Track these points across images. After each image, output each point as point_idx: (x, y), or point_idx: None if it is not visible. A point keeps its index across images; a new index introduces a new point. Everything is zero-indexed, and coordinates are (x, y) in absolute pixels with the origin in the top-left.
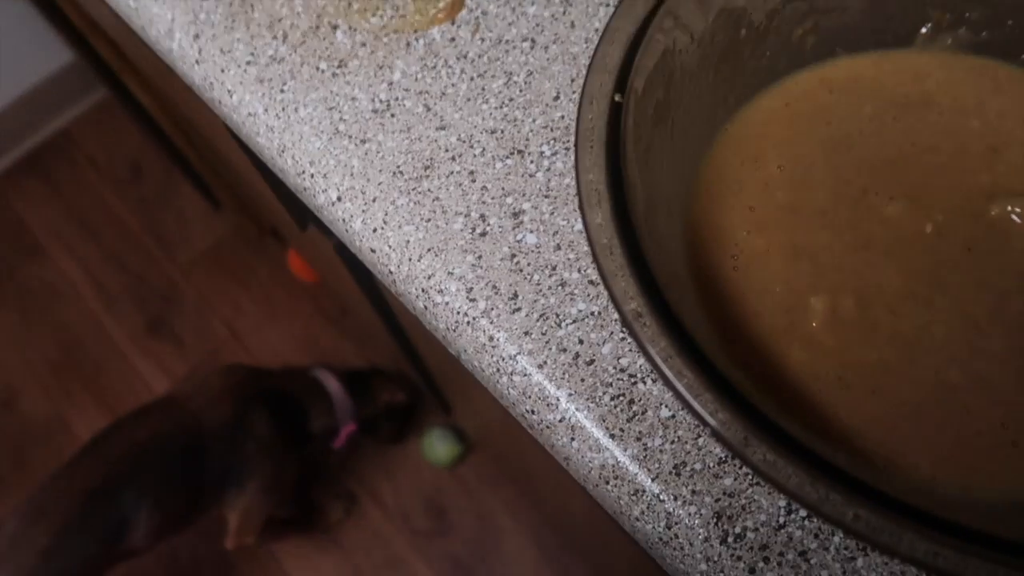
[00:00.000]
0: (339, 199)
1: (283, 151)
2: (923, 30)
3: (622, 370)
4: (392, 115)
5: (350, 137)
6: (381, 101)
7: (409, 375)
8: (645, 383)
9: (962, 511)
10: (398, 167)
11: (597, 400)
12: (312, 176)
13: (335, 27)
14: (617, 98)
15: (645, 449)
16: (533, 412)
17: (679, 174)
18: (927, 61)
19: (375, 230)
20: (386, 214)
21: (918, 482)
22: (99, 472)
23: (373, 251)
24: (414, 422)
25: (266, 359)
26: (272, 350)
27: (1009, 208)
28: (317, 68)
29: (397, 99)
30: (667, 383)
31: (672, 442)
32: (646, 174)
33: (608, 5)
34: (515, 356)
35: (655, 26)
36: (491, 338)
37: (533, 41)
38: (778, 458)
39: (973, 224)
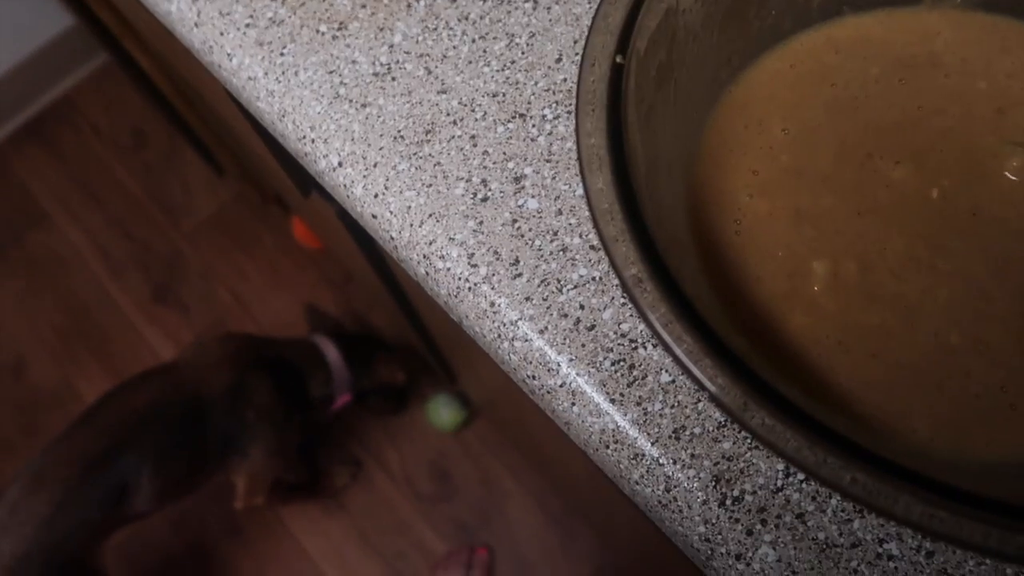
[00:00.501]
0: (340, 164)
1: (283, 116)
2: None
3: (623, 335)
4: (393, 79)
5: (351, 101)
6: (382, 64)
7: (412, 346)
8: (646, 348)
9: (958, 474)
10: (399, 132)
11: (598, 365)
12: (313, 141)
13: None
14: (619, 59)
15: (645, 413)
16: (534, 378)
17: (682, 137)
18: (936, 19)
19: (376, 195)
20: (387, 179)
21: (916, 445)
22: (98, 438)
23: (375, 217)
24: (416, 390)
25: (271, 326)
26: (277, 317)
27: (1015, 167)
28: (317, 31)
29: (398, 62)
30: (666, 349)
31: (672, 407)
32: (648, 137)
33: None
34: (516, 322)
35: None
36: (492, 304)
37: (536, 1)
38: (776, 423)
39: (979, 188)
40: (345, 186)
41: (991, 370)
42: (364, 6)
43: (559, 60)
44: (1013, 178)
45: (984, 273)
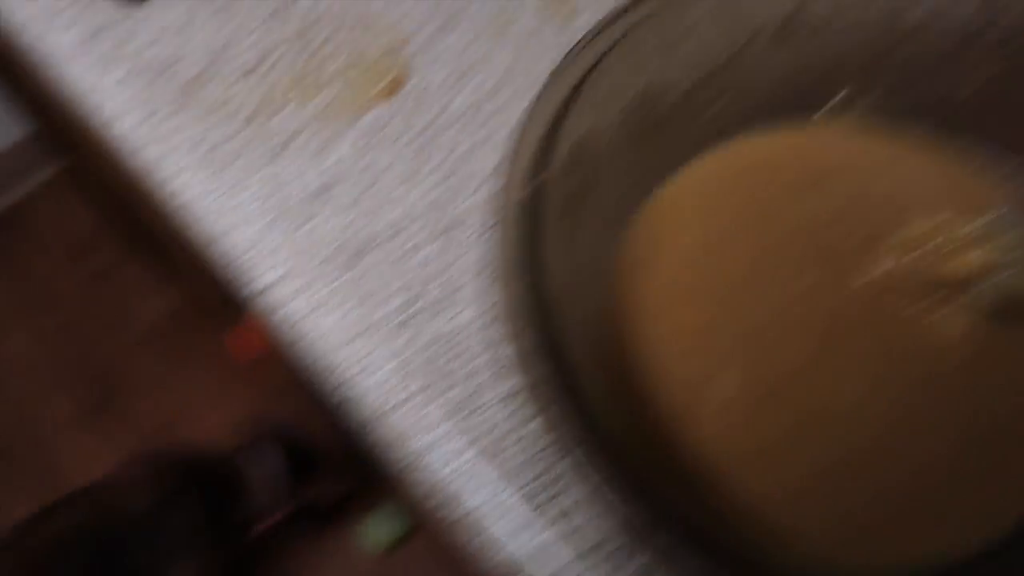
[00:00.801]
0: (278, 281)
1: (226, 233)
2: (835, 100)
3: (546, 448)
4: (333, 195)
5: (291, 218)
6: (323, 182)
7: (357, 453)
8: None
9: None
10: (338, 247)
11: (523, 478)
12: (252, 258)
13: (280, 108)
14: (536, 178)
15: (570, 526)
16: (457, 498)
17: (598, 251)
18: (830, 135)
19: (310, 312)
20: (319, 297)
21: (826, 558)
22: (16, 569)
23: (304, 335)
24: (357, 504)
25: (211, 439)
26: (217, 430)
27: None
28: (261, 149)
29: (339, 179)
30: (577, 469)
31: (594, 518)
32: (563, 253)
33: (566, 78)
34: (437, 444)
35: (574, 108)
36: (413, 426)
37: (475, 115)
38: (680, 547)
39: (884, 293)
40: (282, 303)
41: (896, 475)
42: (308, 124)
43: (496, 172)
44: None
45: (891, 376)
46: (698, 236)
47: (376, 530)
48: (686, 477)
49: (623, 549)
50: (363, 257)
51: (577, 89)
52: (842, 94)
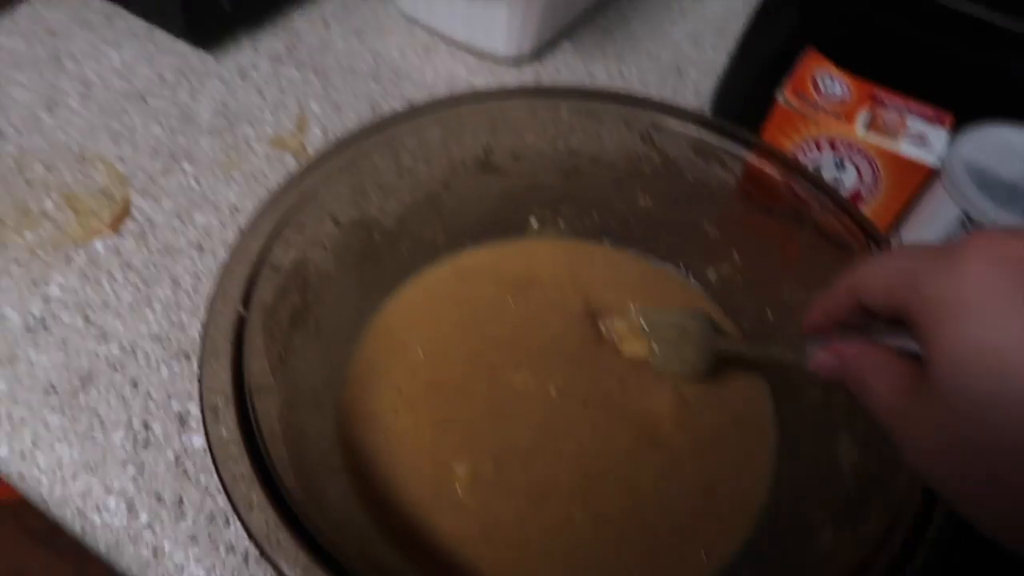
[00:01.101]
0: None
1: None
2: (532, 222)
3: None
4: (47, 331)
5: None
6: (35, 318)
7: None
8: None
9: None
10: (51, 384)
11: None
12: None
13: None
14: (241, 311)
15: None
16: None
17: (328, 366)
18: (538, 247)
19: (23, 455)
20: (35, 435)
21: None
22: None
23: (22, 477)
24: None
25: None
26: None
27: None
28: None
29: (53, 314)
30: None
31: None
32: (285, 376)
33: (278, 210)
34: (182, 566)
35: (281, 242)
36: (156, 551)
37: (201, 248)
38: None
39: (586, 382)
40: None
41: (613, 540)
42: (17, 261)
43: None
44: (608, 369)
45: (595, 452)
46: (427, 340)
47: None
48: (433, 566)
49: None
50: (80, 393)
51: (284, 222)
52: (535, 218)
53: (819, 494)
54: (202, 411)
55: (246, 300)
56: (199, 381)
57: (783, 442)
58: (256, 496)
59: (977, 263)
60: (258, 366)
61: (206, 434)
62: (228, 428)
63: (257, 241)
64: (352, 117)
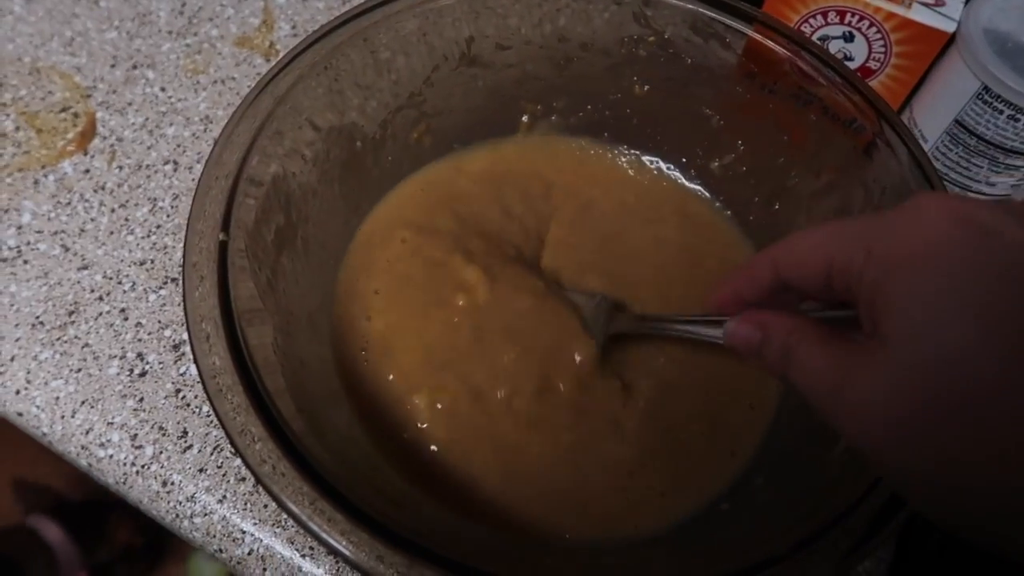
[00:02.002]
0: None
1: None
2: (524, 119)
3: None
4: (25, 261)
5: None
6: (10, 248)
7: None
8: None
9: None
10: (37, 318)
11: (283, 523)
12: None
13: None
14: (222, 237)
15: (338, 562)
16: (222, 551)
17: (320, 289)
18: (529, 145)
19: (18, 392)
20: (28, 372)
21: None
22: None
23: (20, 415)
24: (169, 545)
25: None
26: None
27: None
28: None
29: (29, 243)
30: (298, 522)
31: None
32: (275, 301)
33: (252, 119)
34: (193, 496)
35: (257, 154)
36: (165, 483)
37: (176, 163)
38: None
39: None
40: None
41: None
42: None
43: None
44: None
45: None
46: (408, 234)
47: (201, 567)
48: (429, 486)
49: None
50: (69, 327)
51: (259, 132)
52: (527, 115)
53: None
54: (190, 341)
55: (226, 221)
56: (184, 310)
57: None
58: (255, 428)
59: (935, 220)
60: (245, 291)
61: (196, 365)
62: (220, 357)
63: (233, 154)
64: (320, 7)
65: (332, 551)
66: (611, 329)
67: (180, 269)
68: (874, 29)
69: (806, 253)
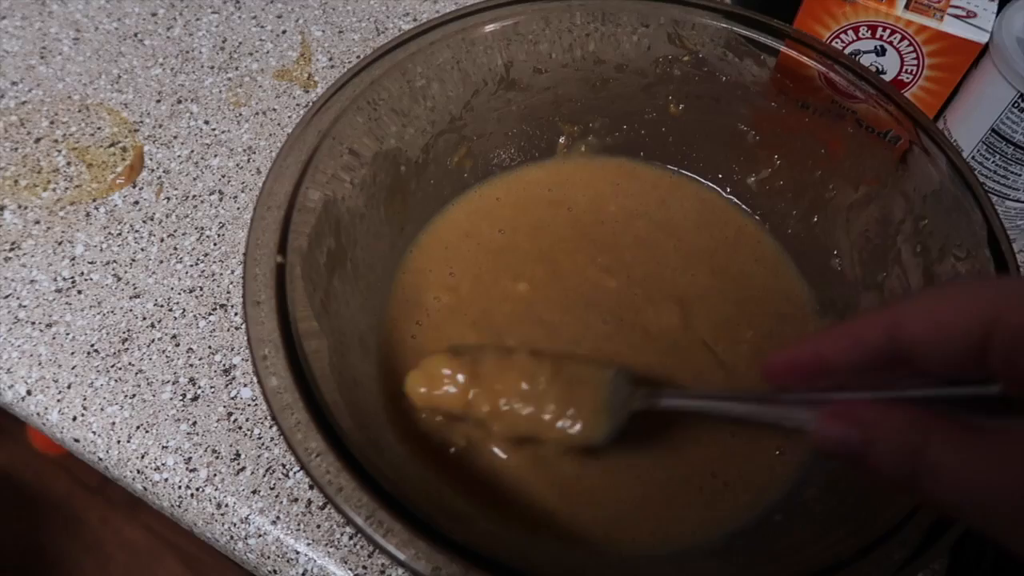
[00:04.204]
0: (29, 393)
1: None
2: (561, 141)
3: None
4: (79, 291)
5: (33, 323)
6: (64, 279)
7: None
8: None
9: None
10: (92, 346)
11: (336, 542)
12: None
13: (2, 208)
14: (279, 259)
15: None
16: (276, 572)
17: (369, 310)
18: (568, 166)
19: (75, 418)
20: (85, 399)
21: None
22: None
23: (77, 441)
24: None
25: (23, 556)
26: (28, 543)
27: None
28: None
29: (82, 274)
30: (367, 538)
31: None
32: (329, 323)
33: (299, 151)
34: (247, 518)
35: (307, 182)
36: (219, 505)
37: (221, 193)
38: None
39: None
40: (39, 414)
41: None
42: (38, 222)
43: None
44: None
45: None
46: (455, 265)
47: None
48: (484, 500)
49: None
50: (122, 353)
51: (311, 159)
52: (564, 137)
53: None
54: (253, 362)
55: (282, 245)
56: (246, 331)
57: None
58: (315, 444)
59: None
60: (302, 313)
61: (259, 383)
62: (280, 376)
63: (283, 185)
64: (356, 39)
65: (394, 560)
66: (631, 407)
67: (228, 295)
68: (906, 42)
69: (955, 309)
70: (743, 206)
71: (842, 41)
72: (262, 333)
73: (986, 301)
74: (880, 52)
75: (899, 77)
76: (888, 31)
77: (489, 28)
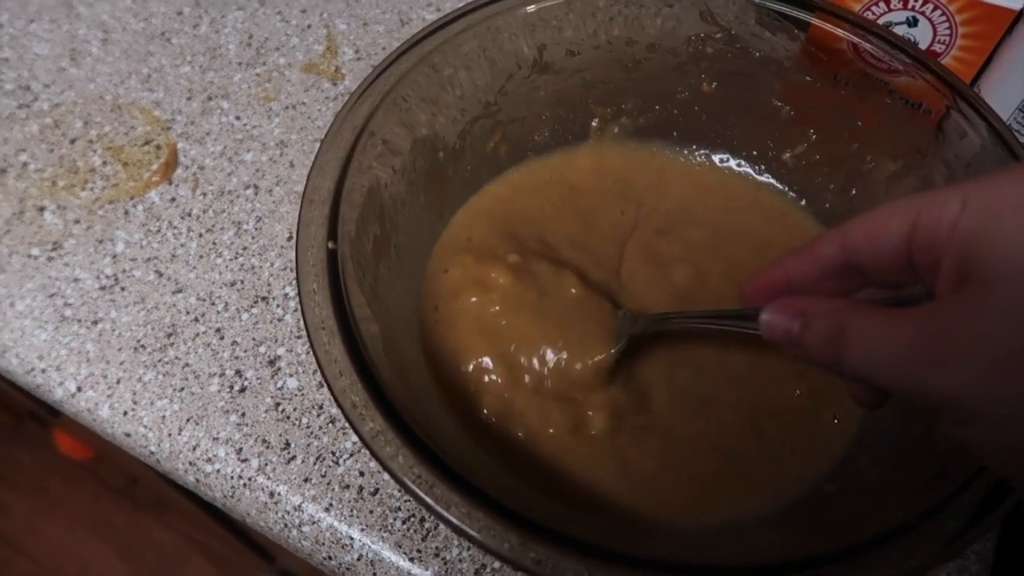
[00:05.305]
0: (79, 389)
1: (4, 352)
2: (593, 124)
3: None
4: (122, 288)
5: (79, 321)
6: (107, 276)
7: (219, 533)
8: None
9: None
10: (139, 341)
11: (390, 527)
12: (44, 371)
13: (42, 208)
14: (331, 245)
15: (445, 563)
16: (330, 558)
17: (411, 291)
18: (601, 149)
19: (126, 413)
20: (135, 394)
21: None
22: None
23: (128, 435)
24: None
25: (50, 559)
26: (56, 546)
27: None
28: (29, 255)
29: (125, 271)
30: (417, 500)
31: (468, 548)
32: (378, 308)
33: (338, 147)
34: (300, 506)
35: (354, 169)
36: (272, 494)
37: (256, 187)
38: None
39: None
40: (89, 410)
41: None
42: (78, 221)
43: (290, 238)
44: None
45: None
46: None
47: None
48: (530, 474)
49: (504, 569)
50: (168, 348)
51: (351, 153)
52: (597, 119)
53: None
54: (312, 347)
55: (332, 233)
56: (303, 319)
57: None
58: (374, 424)
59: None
60: (356, 298)
61: (317, 361)
62: (337, 360)
63: (325, 179)
64: (381, 31)
65: (455, 529)
66: (635, 330)
67: (269, 288)
68: (939, 12)
69: (886, 217)
70: (777, 184)
71: (873, 13)
72: (317, 320)
73: (908, 209)
74: (912, 23)
75: (931, 48)
76: (921, 1)
77: (514, 14)
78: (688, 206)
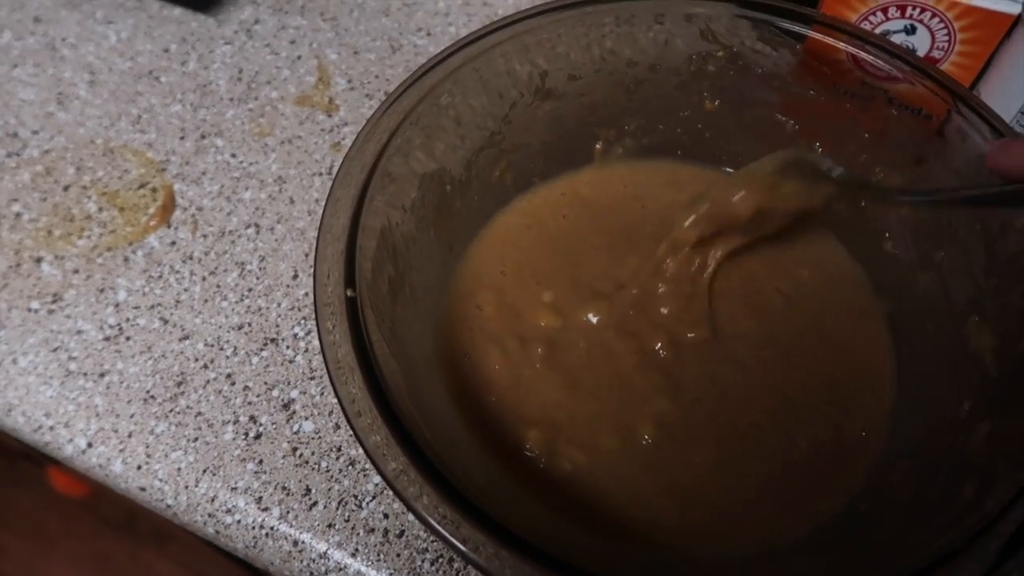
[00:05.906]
0: (90, 445)
1: (10, 410)
2: (597, 147)
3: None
4: (127, 338)
5: (85, 374)
6: (111, 326)
7: (220, 564)
8: None
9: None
10: (148, 392)
11: (418, 570)
12: (52, 428)
13: (39, 260)
14: (350, 293)
15: None
16: None
17: (428, 328)
18: (608, 172)
19: (139, 467)
20: (147, 446)
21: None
22: None
23: (143, 489)
24: None
25: None
26: None
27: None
28: (29, 309)
29: (128, 320)
30: (437, 536)
31: None
32: (397, 349)
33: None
34: (326, 553)
35: (363, 214)
36: (296, 542)
37: (257, 226)
38: None
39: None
40: (101, 466)
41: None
42: (77, 271)
43: (295, 276)
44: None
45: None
46: (509, 265)
47: None
48: (561, 507)
49: None
50: (179, 397)
51: (363, 194)
52: (600, 141)
53: (955, 385)
54: (335, 390)
55: (350, 278)
56: (324, 357)
57: (897, 336)
58: (396, 463)
59: None
60: (376, 343)
61: (341, 405)
62: (359, 399)
63: (339, 218)
64: (372, 59)
65: (483, 571)
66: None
67: (278, 329)
68: (936, 19)
69: None
70: None
71: (871, 23)
72: (336, 359)
73: None
74: (910, 31)
75: (930, 55)
76: (918, 9)
77: (512, 43)
78: None
